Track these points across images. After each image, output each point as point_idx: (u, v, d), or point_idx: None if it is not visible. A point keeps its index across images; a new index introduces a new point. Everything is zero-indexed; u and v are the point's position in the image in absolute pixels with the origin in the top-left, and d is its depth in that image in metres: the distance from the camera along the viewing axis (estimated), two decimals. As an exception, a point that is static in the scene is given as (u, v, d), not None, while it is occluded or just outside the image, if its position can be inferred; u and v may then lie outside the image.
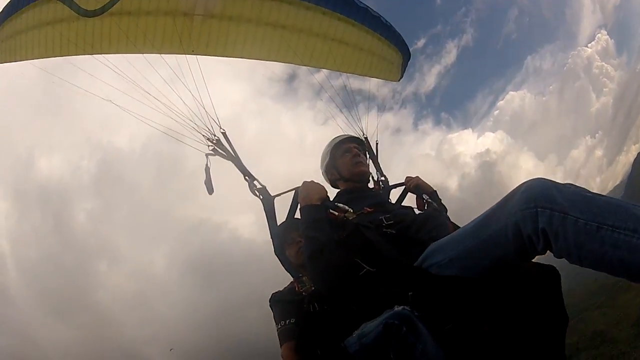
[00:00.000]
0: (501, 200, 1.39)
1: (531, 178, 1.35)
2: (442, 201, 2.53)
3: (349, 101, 3.68)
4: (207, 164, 2.80)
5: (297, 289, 2.28)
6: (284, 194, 2.62)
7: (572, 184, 1.28)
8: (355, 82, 4.01)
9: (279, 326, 2.38)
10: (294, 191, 2.48)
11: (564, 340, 1.53)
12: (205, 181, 2.77)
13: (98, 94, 3.28)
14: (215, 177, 2.86)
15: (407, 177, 2.76)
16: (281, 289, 2.61)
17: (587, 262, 1.16)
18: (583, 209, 1.15)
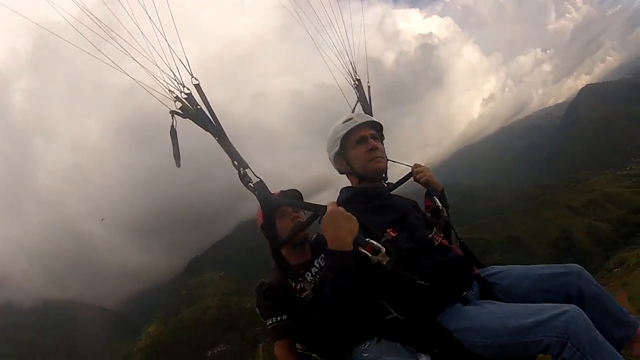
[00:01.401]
0: (545, 310, 1.67)
1: (573, 306, 1.64)
2: (447, 200, 2.43)
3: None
4: (172, 125, 2.00)
5: (297, 294, 2.09)
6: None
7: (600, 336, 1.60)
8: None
9: (270, 322, 2.28)
10: (313, 213, 2.15)
11: None
12: (173, 152, 2.02)
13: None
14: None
15: (415, 165, 2.52)
16: (270, 281, 2.36)
17: None
18: (597, 357, 1.54)
